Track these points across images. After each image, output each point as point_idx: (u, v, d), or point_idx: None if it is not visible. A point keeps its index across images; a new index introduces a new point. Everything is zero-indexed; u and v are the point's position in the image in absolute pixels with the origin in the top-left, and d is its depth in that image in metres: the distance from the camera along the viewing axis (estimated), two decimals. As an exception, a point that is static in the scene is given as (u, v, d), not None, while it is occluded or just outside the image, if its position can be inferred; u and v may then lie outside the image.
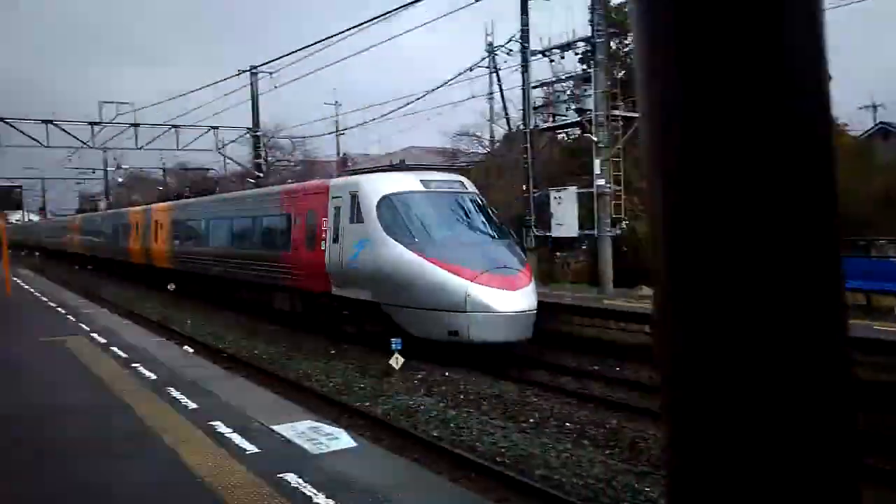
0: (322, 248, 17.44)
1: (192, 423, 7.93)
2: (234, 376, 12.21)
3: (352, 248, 16.21)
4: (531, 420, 10.83)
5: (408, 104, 34.29)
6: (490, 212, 16.98)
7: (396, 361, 13.78)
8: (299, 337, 18.57)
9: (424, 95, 29.71)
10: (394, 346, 13.85)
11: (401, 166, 21.43)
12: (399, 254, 14.96)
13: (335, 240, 16.96)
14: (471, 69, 27.11)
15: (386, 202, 15.80)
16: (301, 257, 18.71)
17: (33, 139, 36.93)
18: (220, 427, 7.69)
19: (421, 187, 16.28)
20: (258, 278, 21.58)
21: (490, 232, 16.13)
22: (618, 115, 21.19)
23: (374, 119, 51.31)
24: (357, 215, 16.27)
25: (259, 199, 23.50)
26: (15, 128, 36.24)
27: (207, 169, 57.08)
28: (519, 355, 14.88)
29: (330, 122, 50.04)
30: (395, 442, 9.62)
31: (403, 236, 15.20)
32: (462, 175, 19.80)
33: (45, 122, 36.83)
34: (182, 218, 29.97)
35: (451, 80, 27.07)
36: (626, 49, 24.62)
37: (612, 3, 23.18)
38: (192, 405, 8.79)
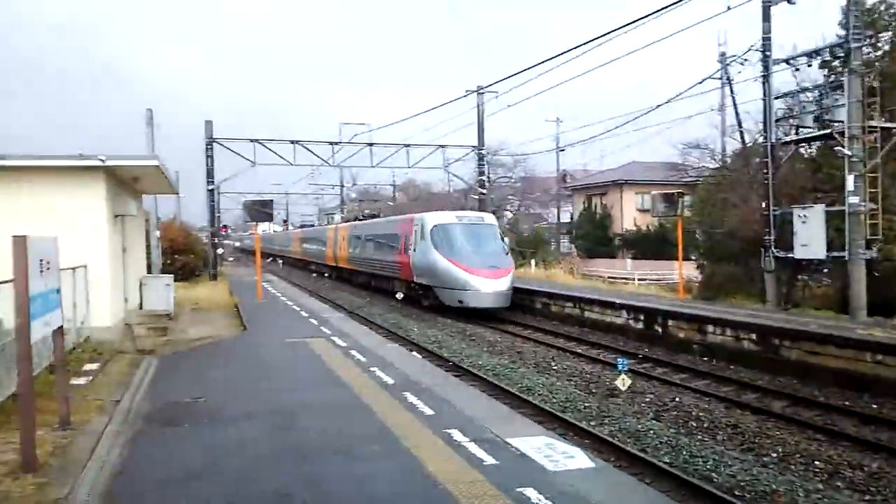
0: (409, 255, 28.38)
1: (430, 429, 8.16)
2: (465, 385, 12.49)
3: (419, 255, 27.33)
4: (773, 454, 10.03)
5: (628, 121, 33.28)
6: (498, 233, 27.68)
7: (623, 382, 13.39)
8: (518, 350, 18.73)
9: (649, 111, 28.71)
10: (620, 366, 13.50)
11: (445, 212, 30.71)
12: (437, 258, 25.78)
13: (414, 250, 27.90)
14: (701, 82, 25.87)
15: (434, 229, 26.75)
16: (403, 260, 29.55)
17: (282, 158, 40.56)
18: (457, 435, 7.85)
19: (455, 220, 27.11)
20: (385, 272, 33.26)
21: (491, 246, 26.32)
22: (875, 127, 19.24)
23: (596, 136, 50.40)
24: (422, 236, 27.20)
25: (386, 223, 36.26)
26: (267, 148, 40.03)
27: (376, 200, 59.24)
28: (752, 384, 14.03)
29: (551, 138, 50.06)
30: (625, 464, 9.30)
31: (440, 248, 25.89)
32: (690, 190, 21.94)
33: (293, 142, 40.37)
34: (352, 234, 41.75)
35: (682, 93, 25.96)
36: (879, 53, 22.25)
37: (867, 4, 21.09)
38: (429, 411, 9.07)
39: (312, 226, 72.25)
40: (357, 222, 43.90)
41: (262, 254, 71.90)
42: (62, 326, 8.84)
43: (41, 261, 7.68)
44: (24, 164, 14.74)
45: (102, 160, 14.97)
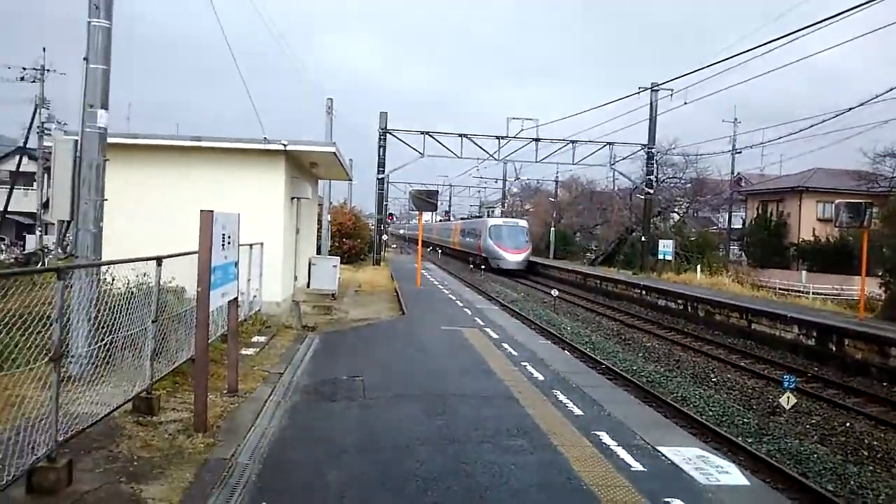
0: (481, 241, 50.11)
1: (578, 429, 8.06)
2: (616, 387, 12.27)
3: (483, 241, 49.41)
4: (959, 496, 9.09)
5: (813, 124, 31.12)
6: (525, 230, 49.76)
7: (787, 400, 12.58)
8: (676, 358, 18.09)
9: (836, 115, 26.72)
10: (786, 383, 12.69)
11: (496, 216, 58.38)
12: (490, 243, 47.93)
13: (482, 238, 50.05)
14: (902, 83, 23.73)
15: (490, 227, 49.89)
16: (479, 244, 50.59)
17: (450, 150, 41.37)
18: (605, 438, 7.70)
19: (501, 223, 50.89)
20: (472, 251, 54.40)
21: (519, 238, 48.10)
22: None
23: (775, 139, 47.45)
24: (486, 231, 49.56)
25: (473, 222, 60.06)
26: (436, 140, 40.98)
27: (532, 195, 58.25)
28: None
29: (727, 140, 47.73)
30: (782, 487, 8.75)
31: (492, 237, 48.04)
32: (880, 201, 19.72)
33: (461, 135, 41.11)
34: (461, 227, 63.54)
35: (878, 96, 23.93)
36: None
37: None
38: (578, 411, 8.96)
39: (456, 219, 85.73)
40: (463, 221, 69.66)
41: (406, 239, 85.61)
42: (237, 298, 9.48)
43: (224, 235, 8.28)
44: (215, 146, 15.93)
45: (284, 145, 15.89)
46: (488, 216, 65.87)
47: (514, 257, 46.69)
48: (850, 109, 25.97)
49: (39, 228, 43.41)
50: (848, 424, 12.29)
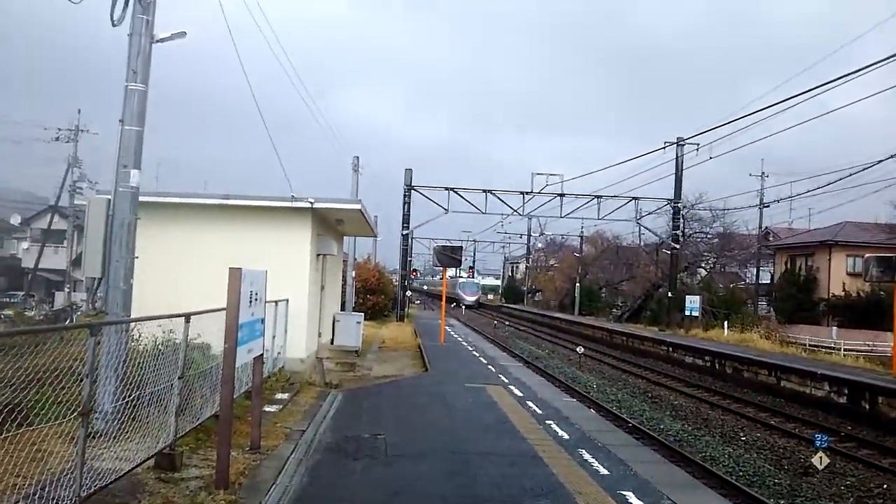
0: (457, 290, 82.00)
1: (604, 488, 7.93)
2: (643, 446, 12.07)
3: (458, 290, 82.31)
4: None
5: (841, 178, 31.00)
6: (477, 283, 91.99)
7: (821, 461, 12.27)
8: (704, 417, 17.77)
9: (865, 167, 26.63)
10: (818, 443, 12.39)
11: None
12: (458, 291, 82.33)
13: (456, 289, 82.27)
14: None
15: (459, 283, 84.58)
16: (456, 292, 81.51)
17: (474, 206, 41.69)
18: (631, 498, 7.58)
19: (464, 279, 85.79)
20: (454, 297, 78.09)
21: (473, 287, 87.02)
22: None
23: (803, 193, 47.18)
24: (458, 285, 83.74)
25: (456, 280, 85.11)
26: (460, 196, 41.35)
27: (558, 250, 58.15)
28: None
29: (754, 193, 47.53)
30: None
31: (459, 288, 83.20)
32: None
33: (485, 191, 41.47)
34: (449, 283, 69.89)
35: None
36: None
37: None
38: (604, 471, 8.83)
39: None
40: (450, 279, 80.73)
41: (430, 295, 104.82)
42: (262, 355, 9.54)
43: (251, 292, 8.38)
44: (243, 204, 16.23)
45: (311, 202, 16.14)
46: (458, 277, 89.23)
47: (469, 299, 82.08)
48: (880, 162, 25.88)
49: (68, 286, 44.11)
50: (885, 486, 11.94)
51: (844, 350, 32.86)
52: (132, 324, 8.57)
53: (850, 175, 28.02)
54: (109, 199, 9.69)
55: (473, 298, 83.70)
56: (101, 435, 7.49)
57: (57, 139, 43.90)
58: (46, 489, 5.34)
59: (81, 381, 5.70)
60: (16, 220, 59.31)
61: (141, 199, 9.94)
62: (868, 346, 33.16)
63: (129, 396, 7.18)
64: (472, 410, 13.30)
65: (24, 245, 58.01)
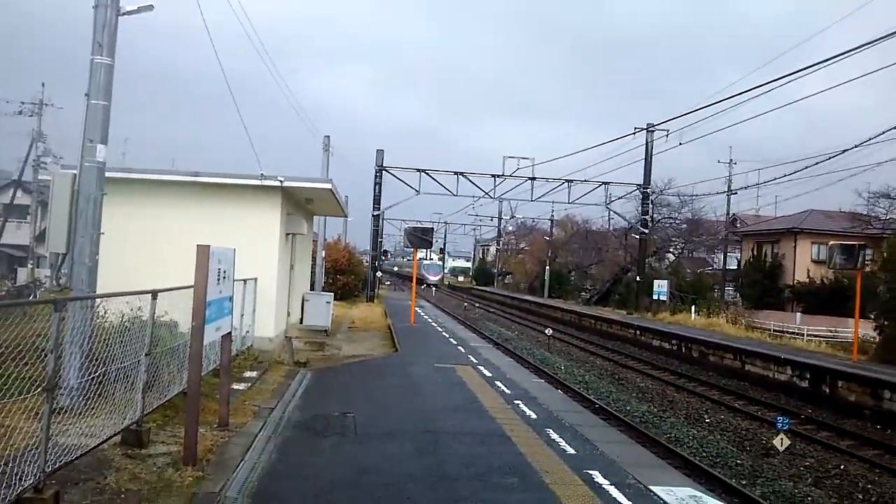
0: (422, 271, 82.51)
1: (570, 468, 8.03)
2: (609, 426, 12.24)
3: (423, 271, 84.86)
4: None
5: (808, 166, 31.44)
6: (439, 265, 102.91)
7: (781, 442, 12.53)
8: (670, 399, 18.04)
9: (833, 156, 26.97)
10: (780, 425, 12.65)
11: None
12: (423, 272, 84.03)
13: (422, 270, 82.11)
14: None
15: (424, 265, 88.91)
16: (422, 273, 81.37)
17: (445, 188, 41.64)
18: (597, 477, 7.67)
19: (428, 261, 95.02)
20: (420, 279, 62.88)
21: (436, 269, 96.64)
22: None
23: (770, 180, 47.76)
24: (423, 267, 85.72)
25: (421, 262, 79.41)
26: (432, 177, 41.27)
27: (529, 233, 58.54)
28: None
29: (722, 180, 48.05)
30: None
31: (424, 270, 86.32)
32: (875, 243, 19.38)
33: (457, 173, 41.42)
34: (420, 264, 71.15)
35: (873, 138, 24.18)
36: None
37: None
38: (570, 450, 8.93)
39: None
40: (422, 261, 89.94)
41: (400, 276, 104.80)
42: (230, 333, 9.48)
43: (220, 269, 8.31)
44: (212, 181, 16.04)
45: (281, 181, 16.01)
46: (423, 260, 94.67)
47: (433, 279, 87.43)
48: (845, 151, 26.18)
49: (31, 261, 43.34)
50: (842, 467, 12.23)
51: (808, 335, 33.52)
52: (98, 300, 8.46)
53: (816, 164, 28.40)
54: (75, 174, 9.53)
55: (437, 278, 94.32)
56: (66, 411, 7.40)
57: (20, 113, 42.92)
58: (10, 464, 5.26)
59: (46, 356, 5.63)
60: (-23, 194, 58.01)
61: (108, 175, 9.78)
62: (831, 331, 33.86)
63: (96, 372, 7.10)
64: (441, 390, 13.36)
65: (-14, 220, 56.80)
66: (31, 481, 5.45)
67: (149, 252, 14.72)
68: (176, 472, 7.01)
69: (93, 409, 7.17)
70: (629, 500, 6.94)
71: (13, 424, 5.52)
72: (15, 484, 5.27)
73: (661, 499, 7.09)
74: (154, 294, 8.07)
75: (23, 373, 5.62)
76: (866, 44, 17.58)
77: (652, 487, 7.43)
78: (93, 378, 7.09)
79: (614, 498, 6.98)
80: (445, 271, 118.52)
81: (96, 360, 7.18)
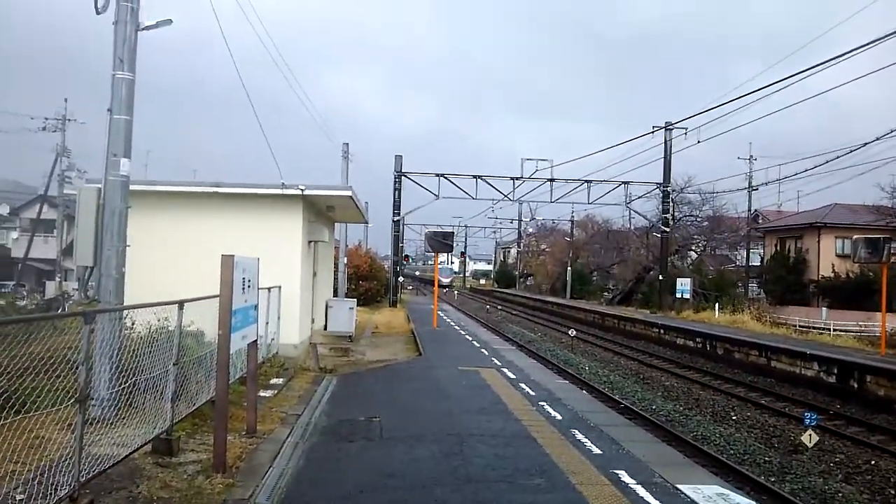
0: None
1: (597, 468, 8.04)
2: (635, 426, 12.23)
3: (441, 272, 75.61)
4: None
5: (829, 160, 31.16)
6: (451, 269, 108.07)
7: (810, 439, 12.43)
8: (695, 397, 17.94)
9: (854, 149, 26.74)
10: (808, 421, 12.53)
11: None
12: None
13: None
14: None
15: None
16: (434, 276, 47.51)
17: (465, 192, 41.67)
18: (624, 476, 7.67)
19: (441, 267, 61.21)
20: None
21: (450, 270, 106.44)
22: None
23: (792, 175, 47.35)
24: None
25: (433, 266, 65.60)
26: (451, 181, 41.33)
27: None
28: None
29: (743, 177, 47.68)
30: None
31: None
32: None
33: (475, 177, 41.45)
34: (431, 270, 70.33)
35: (894, 130, 23.92)
36: None
37: None
38: (596, 450, 8.94)
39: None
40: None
41: (421, 280, 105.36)
42: (256, 341, 9.59)
43: (244, 279, 8.42)
44: (234, 192, 16.22)
45: (302, 189, 16.14)
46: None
47: (444, 280, 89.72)
48: (866, 144, 26.01)
49: (59, 275, 43.96)
50: (873, 462, 12.10)
51: (834, 330, 33.16)
52: (126, 311, 8.59)
53: (837, 157, 28.27)
54: (100, 188, 9.69)
55: (448, 280, 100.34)
56: (98, 421, 7.54)
57: (44, 129, 43.65)
58: (45, 475, 5.39)
59: (77, 368, 5.74)
60: (4, 209, 58.87)
61: (132, 187, 9.94)
62: (858, 325, 33.47)
63: (125, 383, 7.22)
64: (465, 393, 13.39)
65: (14, 235, 57.67)
66: (66, 491, 5.57)
67: (174, 263, 14.90)
68: (206, 479, 7.11)
69: (123, 419, 7.30)
70: (656, 498, 6.94)
71: (47, 436, 5.66)
72: (51, 494, 5.38)
73: (689, 497, 7.08)
74: (181, 304, 8.18)
75: (55, 385, 5.74)
76: (884, 37, 17.42)
77: (679, 486, 7.42)
78: (123, 388, 7.21)
79: (641, 497, 6.98)
80: (467, 274, 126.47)
81: (126, 370, 7.31)
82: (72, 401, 5.71)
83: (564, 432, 9.94)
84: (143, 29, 9.76)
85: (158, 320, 8.29)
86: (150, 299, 8.17)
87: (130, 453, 7.05)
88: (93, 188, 9.97)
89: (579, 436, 9.72)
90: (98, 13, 9.40)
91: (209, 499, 6.62)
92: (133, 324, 8.43)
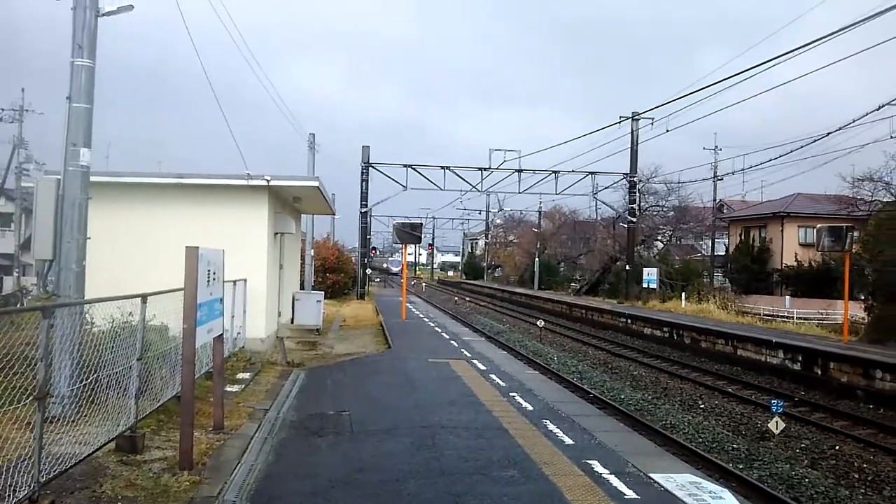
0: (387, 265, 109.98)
1: (569, 458, 8.00)
2: (606, 416, 12.23)
3: (390, 263, 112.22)
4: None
5: (793, 150, 31.59)
6: (431, 256, 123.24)
7: (776, 425, 12.55)
8: (664, 386, 18.08)
9: (817, 139, 27.11)
10: (774, 408, 12.64)
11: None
12: (387, 264, 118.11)
13: (389, 263, 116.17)
14: (880, 108, 24.14)
15: (390, 260, 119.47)
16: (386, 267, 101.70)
17: (433, 182, 41.57)
18: (597, 466, 7.65)
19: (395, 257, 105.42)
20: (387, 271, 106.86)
21: (400, 261, 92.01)
22: None
23: (756, 165, 48.02)
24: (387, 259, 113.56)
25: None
26: (419, 172, 41.18)
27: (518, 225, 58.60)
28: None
29: (708, 167, 48.21)
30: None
31: (390, 263, 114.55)
32: (860, 225, 19.64)
33: (443, 167, 41.38)
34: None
35: (857, 120, 24.34)
36: None
37: None
38: (568, 440, 8.91)
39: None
40: (387, 256, 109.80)
41: (388, 273, 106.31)
42: (222, 335, 9.39)
43: (209, 271, 8.22)
44: (198, 183, 15.91)
45: (268, 180, 15.89)
46: (390, 257, 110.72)
47: (396, 269, 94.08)
48: (829, 134, 26.41)
49: (17, 270, 42.98)
50: (837, 448, 12.27)
51: (798, 318, 33.72)
52: (87, 306, 8.35)
53: (801, 147, 28.72)
54: (59, 180, 9.40)
55: (396, 270, 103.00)
56: (58, 419, 7.31)
57: (0, 119, 42.55)
58: (3, 475, 5.19)
59: (35, 365, 5.54)
60: (-41, 204, 57.43)
61: (92, 178, 9.66)
62: (820, 314, 34.07)
63: (87, 379, 7.01)
64: (436, 385, 13.30)
65: (-30, 230, 56.27)
66: (25, 492, 5.38)
67: (136, 255, 14.60)
68: (172, 477, 6.93)
69: (86, 416, 7.09)
70: (630, 488, 6.91)
71: (5, 435, 5.44)
72: (9, 496, 5.19)
73: (662, 486, 7.07)
74: (143, 298, 7.98)
75: (13, 382, 5.52)
76: (847, 27, 17.62)
77: (651, 474, 7.42)
78: (84, 385, 7.00)
79: (615, 487, 6.95)
80: (435, 266, 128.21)
81: (87, 366, 7.09)
82: (30, 398, 5.51)
83: (536, 423, 9.90)
84: (103, 15, 9.47)
85: (122, 314, 8.07)
86: (113, 293, 7.94)
87: (93, 452, 6.85)
88: (51, 179, 9.67)
89: (551, 426, 9.69)
90: (56, -1, 9.11)
91: (176, 497, 6.45)
92: (92, 319, 8.20)
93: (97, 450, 6.95)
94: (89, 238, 9.46)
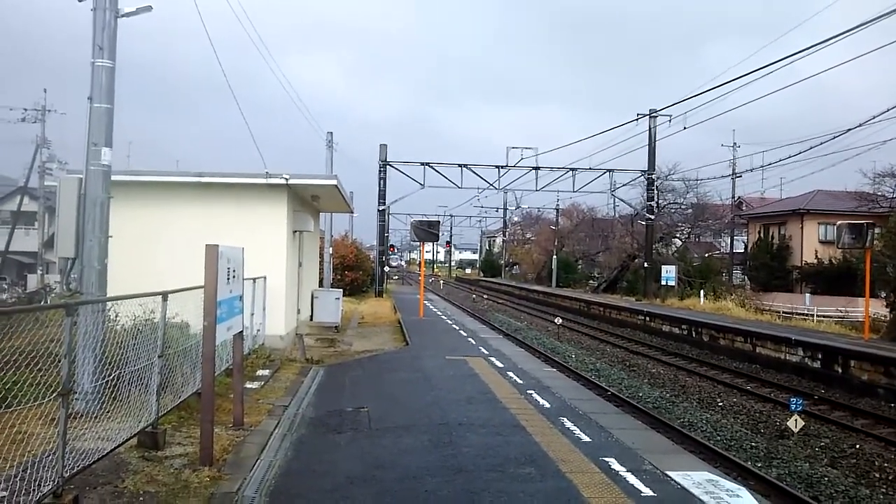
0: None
1: (586, 455, 8.01)
2: (623, 413, 12.21)
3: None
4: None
5: (813, 146, 31.29)
6: (449, 254, 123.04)
7: (796, 423, 12.50)
8: (682, 384, 18.01)
9: (837, 135, 26.86)
10: (793, 406, 12.63)
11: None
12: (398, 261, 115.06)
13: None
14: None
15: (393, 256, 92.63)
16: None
17: (450, 180, 41.61)
18: (614, 464, 7.65)
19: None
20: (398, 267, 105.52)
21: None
22: None
23: (775, 162, 47.61)
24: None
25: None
26: (436, 170, 41.24)
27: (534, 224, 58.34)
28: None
29: (726, 164, 47.88)
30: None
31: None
32: (882, 222, 19.89)
33: (461, 165, 41.43)
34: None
35: (877, 116, 24.07)
36: None
37: None
38: (585, 438, 8.92)
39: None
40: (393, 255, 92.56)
41: (410, 272, 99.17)
42: (242, 332, 9.49)
43: (229, 269, 8.30)
44: (218, 181, 16.05)
45: (286, 179, 16.00)
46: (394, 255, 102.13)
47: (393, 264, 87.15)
48: (849, 130, 26.17)
49: (41, 268, 43.51)
50: (857, 446, 12.19)
51: (818, 316, 33.41)
52: (109, 303, 8.47)
53: (822, 144, 28.35)
54: (81, 179, 9.53)
55: (396, 265, 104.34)
56: (82, 415, 7.43)
57: (23, 120, 43.09)
58: (28, 471, 5.28)
59: (59, 361, 5.63)
60: (-16, 202, 58.15)
61: (113, 178, 9.78)
62: (841, 311, 33.74)
63: (109, 376, 7.12)
64: (453, 382, 13.34)
65: (-6, 228, 57.00)
66: (49, 487, 5.47)
67: (157, 253, 14.74)
68: (193, 472, 7.03)
69: (108, 412, 7.19)
70: (646, 485, 6.92)
71: (30, 430, 5.55)
72: (34, 490, 5.28)
73: (680, 483, 7.07)
74: (164, 295, 8.07)
75: (37, 379, 5.63)
76: (869, 21, 17.45)
77: (669, 472, 7.41)
78: (107, 381, 7.10)
79: (632, 484, 6.96)
80: (453, 264, 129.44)
81: (110, 363, 7.20)
82: (54, 395, 5.61)
83: (553, 420, 9.92)
84: (122, 16, 9.58)
85: (143, 312, 8.18)
86: (135, 290, 8.05)
87: (115, 447, 6.95)
88: (74, 178, 9.80)
89: (568, 424, 9.71)
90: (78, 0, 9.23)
91: (196, 492, 6.54)
92: (117, 315, 8.31)
93: (119, 445, 7.05)
94: (111, 236, 9.58)
